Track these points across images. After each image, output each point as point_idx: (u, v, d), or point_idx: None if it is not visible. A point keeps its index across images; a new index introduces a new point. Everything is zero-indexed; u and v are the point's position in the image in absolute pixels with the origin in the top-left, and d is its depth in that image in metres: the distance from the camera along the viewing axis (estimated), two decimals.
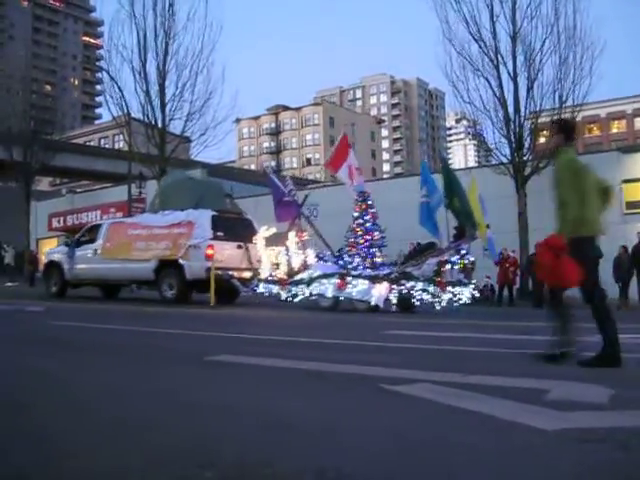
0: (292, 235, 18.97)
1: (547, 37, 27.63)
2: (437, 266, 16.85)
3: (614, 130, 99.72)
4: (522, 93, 27.84)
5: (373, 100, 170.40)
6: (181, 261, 19.50)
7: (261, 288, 18.86)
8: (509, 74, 27.96)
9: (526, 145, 28.18)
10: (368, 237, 17.84)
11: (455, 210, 17.43)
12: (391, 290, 16.98)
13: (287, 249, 18.85)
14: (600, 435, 3.47)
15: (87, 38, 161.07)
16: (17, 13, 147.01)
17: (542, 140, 29.81)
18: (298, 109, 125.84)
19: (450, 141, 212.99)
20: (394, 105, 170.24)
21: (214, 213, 20.01)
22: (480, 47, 28.23)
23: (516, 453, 3.18)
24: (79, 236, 23.58)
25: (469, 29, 28.39)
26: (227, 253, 19.48)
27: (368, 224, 17.86)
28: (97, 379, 5.48)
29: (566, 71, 27.32)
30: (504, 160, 27.81)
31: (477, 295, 17.59)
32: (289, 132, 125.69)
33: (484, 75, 28.13)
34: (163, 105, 34.53)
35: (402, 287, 16.88)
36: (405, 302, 17.05)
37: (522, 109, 27.85)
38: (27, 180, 49.41)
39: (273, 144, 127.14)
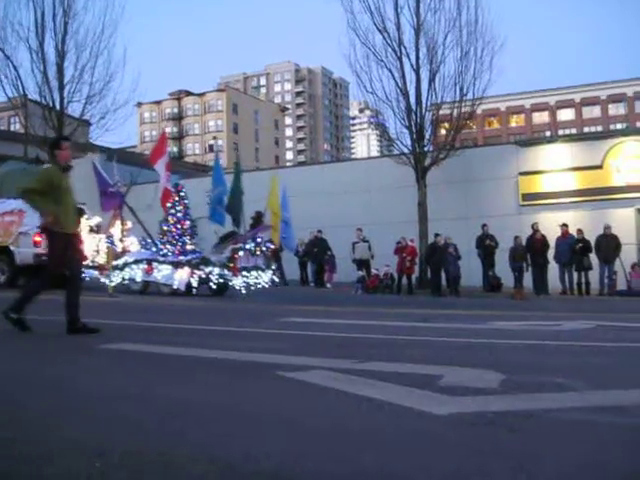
0: (117, 224, 20.27)
1: (449, 30, 27.95)
2: (230, 253, 18.48)
3: (513, 124, 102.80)
4: (424, 85, 28.07)
5: (277, 88, 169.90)
6: (12, 247, 20.49)
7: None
8: (412, 66, 28.16)
9: (427, 136, 28.51)
10: (179, 226, 19.35)
11: (229, 205, 19.94)
12: (192, 275, 18.38)
13: (110, 237, 19.91)
14: (489, 419, 3.56)
15: None
16: None
17: (443, 132, 30.31)
18: (201, 95, 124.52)
19: (354, 130, 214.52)
20: (298, 93, 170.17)
21: None
22: (384, 38, 28.37)
23: (409, 437, 3.24)
24: None
25: (373, 20, 28.49)
26: None
27: (179, 214, 19.42)
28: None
29: (467, 65, 27.70)
30: (405, 150, 28.04)
31: (277, 280, 20.23)
32: (192, 118, 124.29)
33: (387, 66, 28.27)
34: (61, 86, 33.40)
35: (201, 272, 18.37)
36: (219, 287, 18.76)
37: (424, 101, 28.08)
38: None
39: (175, 129, 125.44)
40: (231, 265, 18.18)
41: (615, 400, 4.19)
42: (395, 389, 4.38)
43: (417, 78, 28.23)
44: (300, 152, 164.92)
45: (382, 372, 5.09)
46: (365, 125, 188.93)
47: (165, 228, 19.53)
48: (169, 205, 19.65)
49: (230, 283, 18.58)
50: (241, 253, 18.45)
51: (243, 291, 18.31)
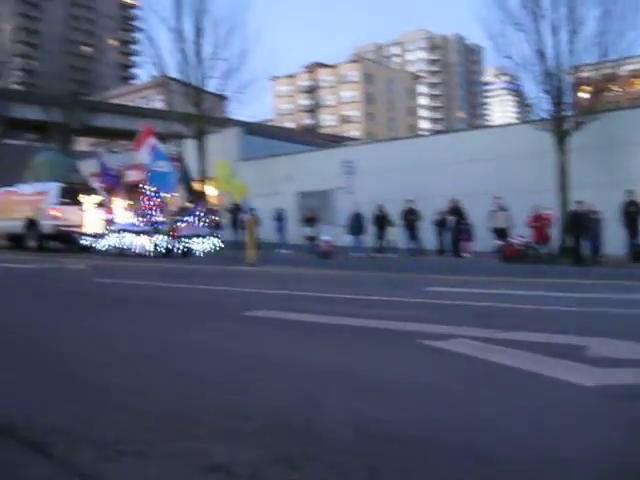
0: (115, 200, 24.74)
1: None
2: (172, 223, 22.67)
3: None
4: (563, 46, 27.18)
5: (411, 56, 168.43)
6: (38, 220, 26.71)
7: (84, 240, 24.85)
8: (550, 27, 27.33)
9: (566, 100, 27.59)
10: (148, 202, 22.82)
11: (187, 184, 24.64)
12: (149, 241, 22.29)
13: (107, 211, 24.66)
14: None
15: None
16: None
17: (584, 95, 29.24)
18: (335, 66, 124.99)
19: (489, 97, 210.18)
20: (432, 61, 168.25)
21: (62, 185, 26.99)
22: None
23: (556, 408, 3.18)
24: None
25: None
26: (71, 214, 25.93)
27: (149, 192, 22.80)
28: (151, 334, 5.54)
29: (609, 24, 26.59)
30: (544, 115, 27.29)
31: (221, 245, 24.00)
32: (326, 90, 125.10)
33: (523, 28, 27.51)
34: (200, 63, 34.37)
35: (154, 239, 22.23)
36: (187, 250, 22.64)
37: (563, 63, 27.24)
38: (66, 141, 49.95)
39: (310, 102, 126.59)
40: (170, 233, 22.20)
41: None
42: (539, 359, 4.29)
43: (555, 40, 27.32)
44: (435, 121, 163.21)
45: (525, 342, 4.99)
46: (501, 91, 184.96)
47: (139, 204, 23.37)
48: (141, 185, 23.22)
49: (192, 248, 22.59)
50: (179, 224, 22.59)
51: (201, 255, 22.56)
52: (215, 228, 24.53)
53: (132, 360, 4.42)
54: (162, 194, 23.15)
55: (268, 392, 3.42)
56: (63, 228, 26.38)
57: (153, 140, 24.26)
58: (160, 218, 22.89)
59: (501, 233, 24.33)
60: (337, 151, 38.29)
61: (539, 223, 23.49)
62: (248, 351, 4.77)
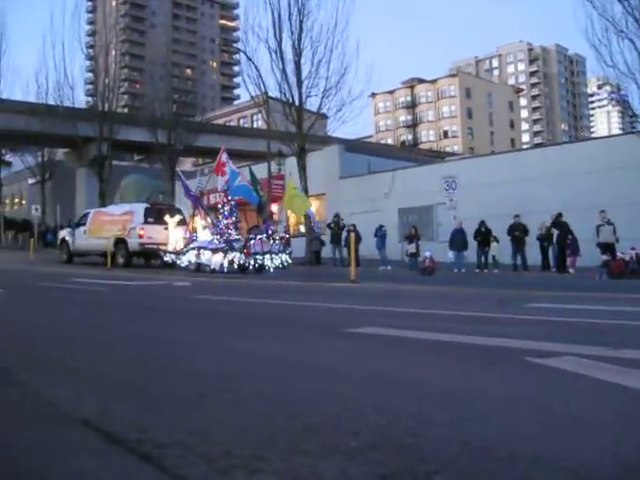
0: (195, 220, 27.08)
1: None
2: (244, 241, 24.14)
3: None
4: None
5: (510, 69, 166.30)
6: (126, 239, 29.11)
7: (167, 257, 26.77)
8: None
9: None
10: (225, 221, 24.74)
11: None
12: (224, 258, 23.77)
13: (189, 230, 26.60)
14: None
15: (223, 21, 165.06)
16: (157, 1, 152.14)
17: None
18: (433, 81, 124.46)
19: (592, 108, 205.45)
20: (532, 73, 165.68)
21: (147, 206, 29.77)
22: (624, 7, 26.95)
23: None
24: (77, 220, 34.77)
25: None
26: (156, 233, 28.27)
27: (226, 212, 24.76)
28: (254, 349, 5.62)
29: None
30: None
31: (289, 261, 25.21)
32: (425, 105, 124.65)
33: (628, 36, 26.84)
34: (299, 82, 34.74)
35: (229, 256, 23.67)
36: (260, 266, 23.95)
37: None
38: (171, 161, 51.28)
39: (409, 117, 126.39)
40: (244, 250, 23.50)
41: None
42: None
43: None
44: (536, 134, 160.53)
45: (636, 360, 4.85)
46: (605, 102, 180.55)
47: (216, 222, 25.45)
48: (219, 206, 25.55)
49: (265, 264, 23.79)
50: (252, 242, 23.78)
51: (271, 270, 23.66)
52: (286, 245, 25.58)
53: (236, 375, 4.48)
54: (244, 208, 25.10)
55: (372, 408, 3.42)
56: (148, 246, 28.67)
57: (226, 159, 25.82)
58: (235, 236, 24.49)
59: (608, 248, 23.66)
60: (437, 167, 38.07)
61: None
62: (348, 367, 4.77)
